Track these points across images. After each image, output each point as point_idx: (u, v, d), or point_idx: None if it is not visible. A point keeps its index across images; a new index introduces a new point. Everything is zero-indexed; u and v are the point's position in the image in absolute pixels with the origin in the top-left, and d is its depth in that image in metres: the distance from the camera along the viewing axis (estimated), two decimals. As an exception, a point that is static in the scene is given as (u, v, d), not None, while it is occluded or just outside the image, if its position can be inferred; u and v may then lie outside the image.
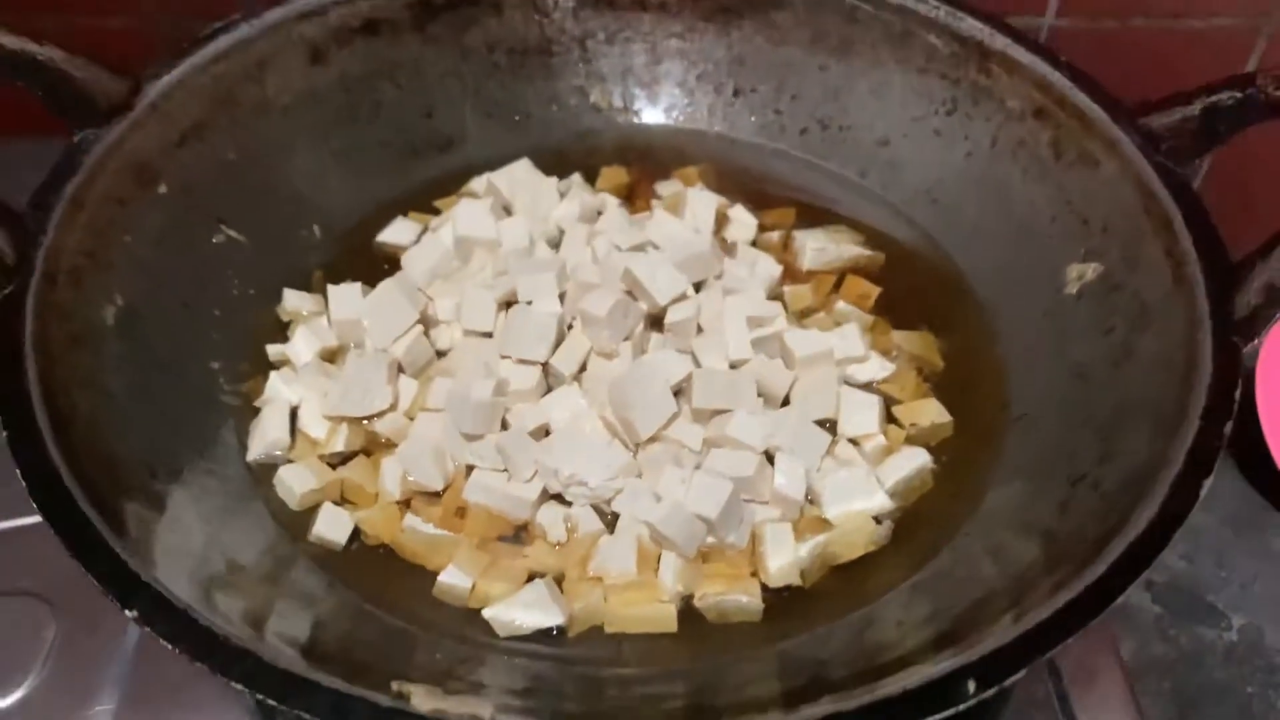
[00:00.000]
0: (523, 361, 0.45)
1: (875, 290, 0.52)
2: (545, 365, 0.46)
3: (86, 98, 0.46)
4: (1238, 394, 0.39)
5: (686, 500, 0.41)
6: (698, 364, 0.46)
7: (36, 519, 0.50)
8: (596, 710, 0.36)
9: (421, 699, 0.32)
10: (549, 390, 0.46)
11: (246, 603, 0.37)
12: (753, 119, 0.60)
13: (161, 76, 0.49)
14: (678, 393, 0.45)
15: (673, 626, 0.40)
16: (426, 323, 0.48)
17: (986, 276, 0.52)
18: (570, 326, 0.47)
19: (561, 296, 0.48)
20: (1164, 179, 0.46)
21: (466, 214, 0.51)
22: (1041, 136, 0.52)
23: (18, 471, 0.36)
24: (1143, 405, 0.41)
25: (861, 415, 0.45)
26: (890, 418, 0.47)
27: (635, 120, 0.60)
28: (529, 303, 0.47)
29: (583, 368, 0.46)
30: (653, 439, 0.44)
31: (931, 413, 0.47)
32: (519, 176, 0.54)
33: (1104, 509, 0.38)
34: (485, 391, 0.43)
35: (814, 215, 0.56)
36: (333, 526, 0.42)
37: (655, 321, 0.48)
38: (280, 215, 0.53)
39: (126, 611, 0.33)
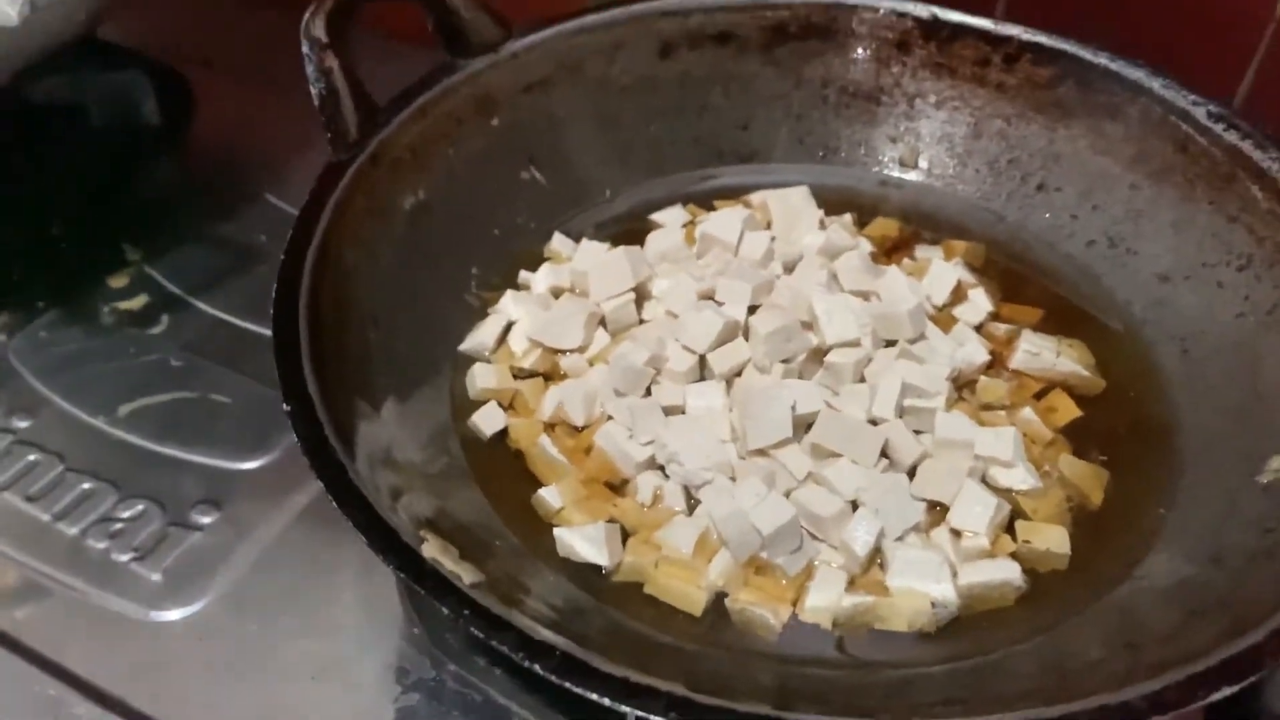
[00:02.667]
0: (686, 348, 0.50)
1: (1073, 413, 0.51)
2: (705, 358, 0.50)
3: (466, 33, 0.58)
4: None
5: (751, 510, 0.44)
6: (836, 407, 0.48)
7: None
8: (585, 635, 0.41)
9: (429, 547, 0.39)
10: (700, 379, 0.50)
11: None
12: (1047, 216, 0.59)
13: (530, 34, 0.59)
14: (809, 426, 0.48)
15: (697, 610, 0.44)
16: (643, 294, 0.55)
17: (1195, 440, 0.49)
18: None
19: (755, 309, 0.52)
20: None
21: (720, 217, 0.57)
22: (1320, 321, 0.47)
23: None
24: (1238, 604, 0.38)
25: (975, 512, 0.45)
26: (1011, 529, 0.46)
27: (933, 185, 0.62)
28: (721, 303, 0.52)
29: (739, 374, 0.50)
30: (762, 453, 0.47)
31: (1052, 539, 0.45)
32: (792, 200, 0.59)
33: (1123, 677, 0.36)
34: (640, 359, 0.49)
35: (1058, 325, 0.55)
36: (488, 420, 0.50)
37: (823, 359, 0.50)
38: (583, 173, 0.61)
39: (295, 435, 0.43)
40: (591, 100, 0.61)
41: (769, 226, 0.58)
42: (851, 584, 0.44)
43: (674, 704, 0.34)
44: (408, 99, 0.56)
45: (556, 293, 0.56)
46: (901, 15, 0.61)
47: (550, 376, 0.53)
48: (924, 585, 0.44)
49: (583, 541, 0.45)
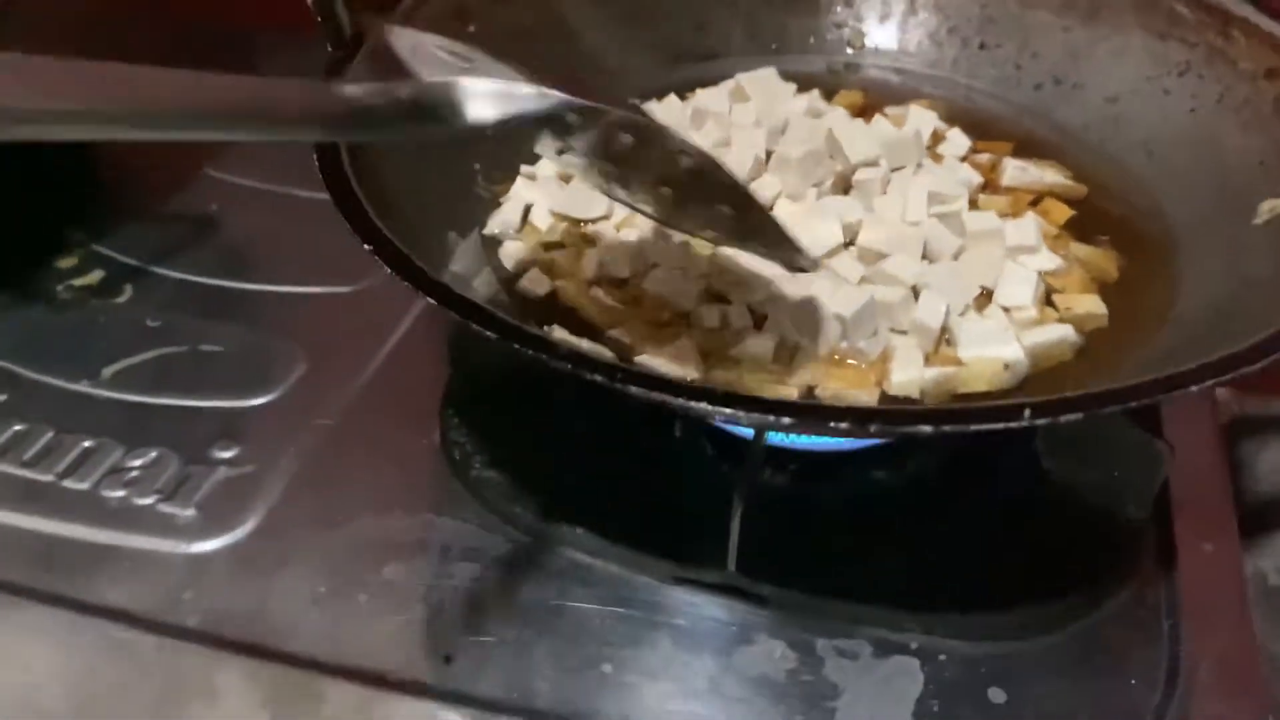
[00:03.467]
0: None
1: (1068, 213, 0.55)
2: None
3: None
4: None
5: (829, 299, 0.46)
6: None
7: (308, 289, 0.63)
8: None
9: (558, 333, 0.39)
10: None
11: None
12: (993, 71, 0.64)
13: (494, -54, 0.61)
14: (849, 242, 0.50)
15: (793, 403, 0.45)
16: (652, 164, 0.56)
17: (1183, 214, 0.53)
18: (769, 173, 0.53)
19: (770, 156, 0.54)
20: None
21: (706, 94, 0.59)
22: (1268, 94, 0.53)
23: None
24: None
25: (1019, 288, 0.48)
26: (1049, 303, 0.50)
27: (881, 62, 0.66)
28: (736, 150, 0.54)
29: (772, 207, 0.52)
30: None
31: (1088, 303, 0.49)
32: (763, 78, 0.62)
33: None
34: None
35: (1029, 152, 0.59)
36: (535, 282, 0.51)
37: (847, 187, 0.53)
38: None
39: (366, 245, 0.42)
40: (554, 10, 0.63)
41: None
42: (927, 361, 0.46)
43: (848, 414, 0.35)
44: (392, 6, 0.56)
45: (564, 177, 0.57)
46: (828, -92, 0.66)
47: (581, 247, 0.54)
48: (994, 350, 0.46)
49: (666, 361, 0.46)
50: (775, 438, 0.50)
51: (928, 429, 0.34)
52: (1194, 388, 0.36)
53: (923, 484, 0.52)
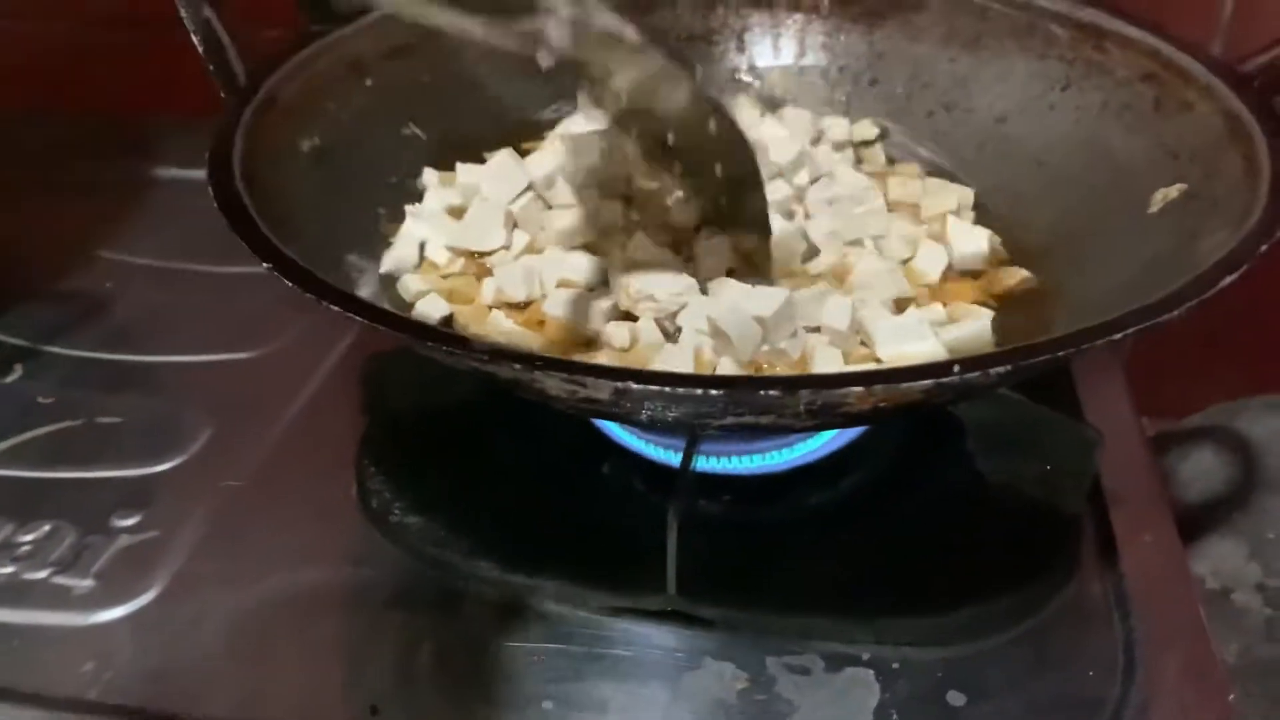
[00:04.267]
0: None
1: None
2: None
3: (329, 5, 0.59)
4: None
5: (745, 305, 0.45)
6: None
7: (210, 356, 0.61)
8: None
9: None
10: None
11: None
12: (886, 104, 0.66)
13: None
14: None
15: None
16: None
17: (1080, 216, 0.55)
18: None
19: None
20: (1246, 102, 0.49)
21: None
22: (1147, 96, 0.55)
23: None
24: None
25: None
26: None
27: (779, 101, 0.68)
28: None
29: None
30: (724, 276, 0.49)
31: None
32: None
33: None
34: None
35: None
36: (432, 307, 0.50)
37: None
38: (460, 130, 0.62)
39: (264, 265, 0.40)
40: (450, 66, 0.63)
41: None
42: (846, 361, 0.46)
43: (778, 382, 0.34)
44: (288, 55, 0.56)
45: (454, 212, 0.56)
46: (711, -42, 0.68)
47: (479, 277, 0.53)
48: (912, 346, 0.46)
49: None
50: (705, 463, 0.49)
51: (859, 388, 0.33)
52: (1117, 335, 0.35)
53: (859, 499, 0.51)
